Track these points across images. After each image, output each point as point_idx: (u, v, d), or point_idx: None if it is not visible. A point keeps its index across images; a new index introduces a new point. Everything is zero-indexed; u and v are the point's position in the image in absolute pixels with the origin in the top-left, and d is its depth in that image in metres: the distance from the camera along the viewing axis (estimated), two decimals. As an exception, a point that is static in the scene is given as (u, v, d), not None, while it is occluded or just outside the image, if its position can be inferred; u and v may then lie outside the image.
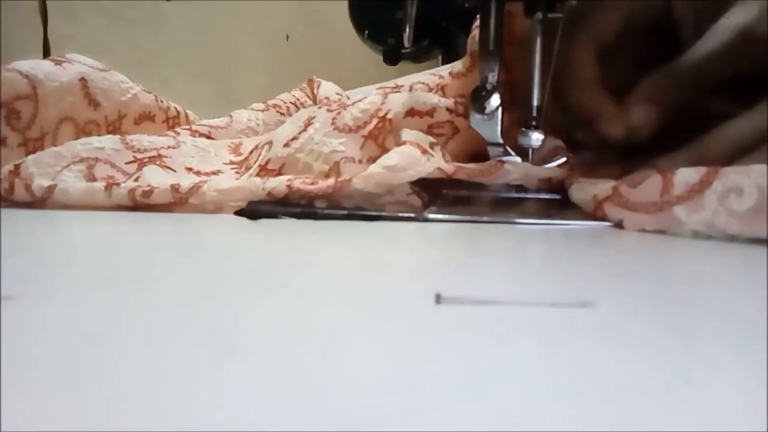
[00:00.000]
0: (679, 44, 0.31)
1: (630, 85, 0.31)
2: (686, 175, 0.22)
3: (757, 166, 0.21)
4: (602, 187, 0.26)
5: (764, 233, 0.20)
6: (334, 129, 0.33)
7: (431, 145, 0.31)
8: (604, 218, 0.25)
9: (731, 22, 0.29)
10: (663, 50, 0.31)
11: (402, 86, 0.46)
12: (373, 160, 0.31)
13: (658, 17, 0.31)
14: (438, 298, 0.13)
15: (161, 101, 0.45)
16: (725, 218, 0.21)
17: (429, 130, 0.33)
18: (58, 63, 0.39)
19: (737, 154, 0.28)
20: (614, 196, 0.25)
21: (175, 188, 0.29)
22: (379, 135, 0.33)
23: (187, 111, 0.47)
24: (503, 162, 0.30)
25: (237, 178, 0.35)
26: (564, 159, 0.32)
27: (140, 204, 0.29)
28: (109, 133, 0.40)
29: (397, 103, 0.33)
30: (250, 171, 0.34)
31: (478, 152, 0.33)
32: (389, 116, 0.33)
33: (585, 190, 0.27)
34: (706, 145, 0.28)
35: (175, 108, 0.46)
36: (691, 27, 0.31)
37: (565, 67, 0.31)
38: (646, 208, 0.23)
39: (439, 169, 0.29)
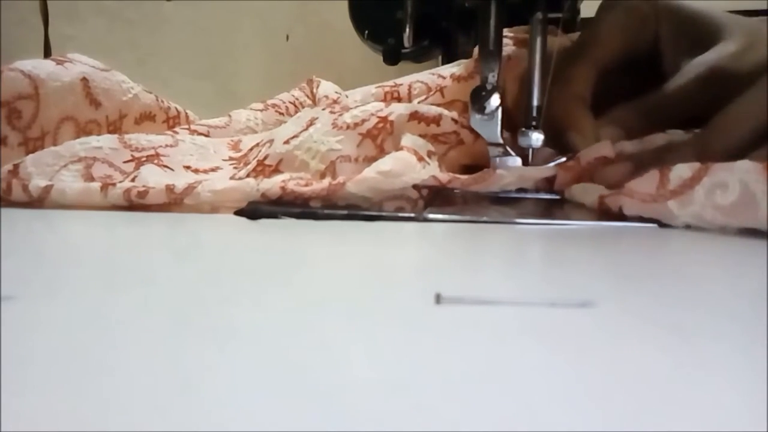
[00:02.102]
0: (662, 75, 0.34)
1: (611, 107, 0.34)
2: (680, 171, 0.24)
3: (742, 162, 0.23)
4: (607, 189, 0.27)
5: (747, 224, 0.22)
6: (333, 128, 0.33)
7: (429, 154, 0.31)
8: (606, 209, 0.26)
9: (705, 58, 0.32)
10: (649, 79, 0.35)
11: (401, 85, 0.46)
12: (369, 159, 0.31)
13: (648, 51, 0.35)
14: (438, 298, 0.13)
15: (162, 101, 0.45)
16: (711, 211, 0.23)
17: (434, 138, 0.33)
18: (59, 63, 0.39)
19: (744, 143, 0.29)
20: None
21: (170, 188, 0.29)
22: (378, 135, 0.33)
23: (188, 111, 0.47)
24: (495, 169, 0.30)
25: (234, 174, 0.35)
26: (564, 159, 0.32)
27: (136, 204, 0.29)
28: (110, 132, 0.40)
29: (401, 106, 0.33)
30: (248, 167, 0.34)
31: (480, 164, 0.34)
32: (391, 118, 0.33)
33: (590, 192, 0.28)
34: (709, 136, 0.30)
35: (176, 108, 0.46)
36: (671, 63, 0.34)
37: (562, 80, 0.33)
38: (643, 197, 0.24)
39: (433, 177, 0.29)
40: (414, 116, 0.33)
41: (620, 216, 0.26)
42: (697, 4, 0.35)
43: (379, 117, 0.33)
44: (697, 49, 0.33)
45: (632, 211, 0.25)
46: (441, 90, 0.37)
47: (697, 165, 0.24)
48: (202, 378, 0.09)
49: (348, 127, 0.33)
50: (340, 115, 0.34)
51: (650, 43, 0.35)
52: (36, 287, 0.14)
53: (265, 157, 0.33)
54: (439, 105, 0.36)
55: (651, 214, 0.24)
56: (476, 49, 0.37)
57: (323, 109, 0.35)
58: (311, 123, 0.34)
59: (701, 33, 0.33)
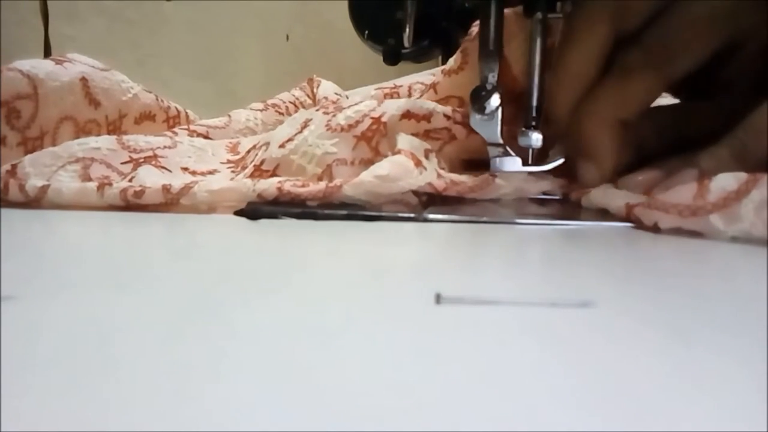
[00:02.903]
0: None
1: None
2: (724, 182, 0.22)
3: None
4: (634, 195, 0.25)
5: None
6: (327, 129, 0.33)
7: (426, 154, 0.31)
8: (637, 222, 0.24)
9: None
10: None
11: (401, 86, 0.46)
12: (365, 162, 0.31)
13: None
14: (438, 298, 0.13)
15: (162, 101, 0.45)
16: (763, 230, 0.20)
17: (426, 135, 0.33)
18: (59, 63, 0.39)
19: None
20: (645, 200, 0.24)
21: (166, 189, 0.29)
22: (373, 137, 0.33)
23: (188, 111, 0.47)
24: (494, 176, 0.30)
25: (232, 178, 0.35)
26: (562, 160, 0.31)
27: (132, 204, 0.29)
28: (109, 132, 0.40)
29: (392, 106, 0.33)
30: (246, 171, 0.34)
31: (477, 158, 0.33)
32: (384, 119, 0.33)
33: (613, 197, 0.26)
34: (746, 133, 0.26)
35: (176, 107, 0.46)
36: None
37: (607, 92, 0.29)
38: (679, 210, 0.23)
39: (429, 184, 0.29)
40: (406, 115, 0.33)
41: (625, 218, 0.25)
42: None
43: (372, 118, 0.33)
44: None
45: (669, 225, 0.23)
46: (434, 86, 0.37)
47: (743, 176, 0.21)
48: (202, 378, 0.09)
49: (342, 129, 0.33)
50: (334, 116, 0.33)
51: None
52: (36, 287, 0.14)
53: (262, 162, 0.33)
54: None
55: (691, 228, 0.22)
56: (464, 41, 0.37)
57: (317, 110, 0.35)
58: (305, 125, 0.34)
59: None
